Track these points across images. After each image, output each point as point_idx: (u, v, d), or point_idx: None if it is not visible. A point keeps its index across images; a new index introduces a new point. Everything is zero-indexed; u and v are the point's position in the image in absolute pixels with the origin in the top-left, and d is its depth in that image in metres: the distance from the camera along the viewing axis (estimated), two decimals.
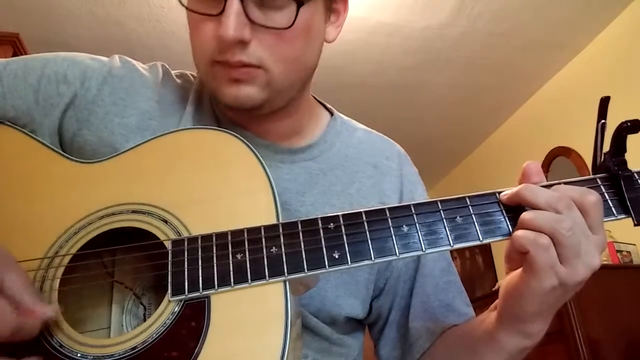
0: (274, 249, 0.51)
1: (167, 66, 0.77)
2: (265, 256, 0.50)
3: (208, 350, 0.47)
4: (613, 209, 0.53)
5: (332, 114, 0.81)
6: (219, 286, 0.49)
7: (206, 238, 0.52)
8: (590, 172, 0.57)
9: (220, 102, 0.64)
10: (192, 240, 0.52)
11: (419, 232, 0.51)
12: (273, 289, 0.49)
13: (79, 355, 0.48)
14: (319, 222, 0.52)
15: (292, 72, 0.63)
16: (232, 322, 0.48)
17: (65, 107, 0.67)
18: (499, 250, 3.74)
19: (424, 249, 0.51)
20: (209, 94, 0.74)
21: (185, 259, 0.51)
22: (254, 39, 0.58)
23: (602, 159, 0.55)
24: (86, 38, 2.83)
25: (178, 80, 0.75)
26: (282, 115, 0.70)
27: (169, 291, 0.50)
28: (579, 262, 0.48)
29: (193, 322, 0.48)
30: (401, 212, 0.52)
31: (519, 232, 0.49)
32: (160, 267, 0.52)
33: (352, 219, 0.52)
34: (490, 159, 4.05)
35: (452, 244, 0.51)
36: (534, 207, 0.49)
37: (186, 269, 0.50)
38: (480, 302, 2.61)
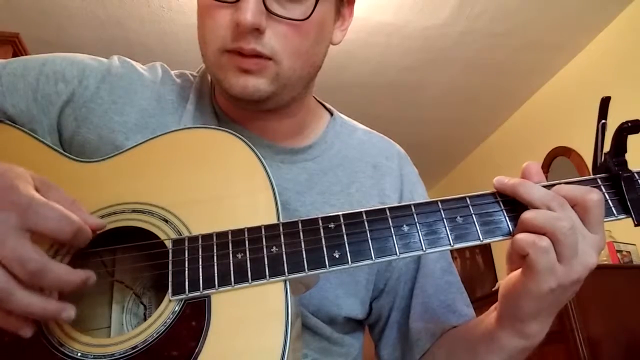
0: (274, 249, 0.51)
1: (166, 66, 0.77)
2: (265, 256, 0.50)
3: (208, 350, 0.47)
4: (613, 209, 0.53)
5: (331, 114, 0.81)
6: (219, 286, 0.49)
7: (207, 237, 0.52)
8: (591, 172, 0.57)
9: (225, 93, 0.63)
10: (193, 239, 0.52)
11: (420, 232, 0.51)
12: (273, 289, 0.49)
13: (79, 354, 0.48)
14: (320, 221, 0.52)
15: (302, 66, 0.63)
16: (232, 321, 0.48)
17: (63, 105, 0.67)
18: (499, 250, 3.74)
19: (424, 249, 0.51)
20: (210, 93, 0.74)
21: (186, 259, 0.51)
22: (269, 29, 0.59)
23: (603, 159, 0.55)
24: (86, 38, 2.83)
25: (178, 80, 0.75)
26: (285, 115, 0.70)
27: (170, 290, 0.50)
28: (576, 261, 0.48)
29: (193, 321, 0.48)
30: (402, 212, 0.52)
31: (519, 235, 0.49)
32: (160, 267, 0.52)
33: (353, 218, 0.52)
34: (490, 159, 4.05)
35: (452, 244, 0.51)
36: (528, 204, 0.50)
37: (187, 269, 0.50)
38: (480, 302, 2.61)
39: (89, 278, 0.47)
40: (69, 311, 0.46)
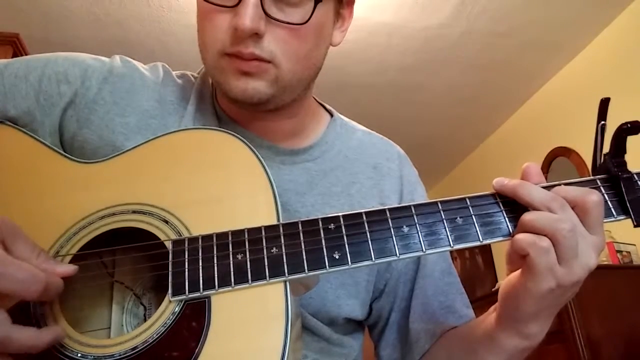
0: (274, 250, 0.51)
1: (167, 66, 0.77)
2: (265, 256, 0.50)
3: (208, 351, 0.47)
4: (613, 210, 0.53)
5: (331, 115, 0.81)
6: (219, 286, 0.49)
7: (207, 238, 0.52)
8: (590, 173, 0.57)
9: (225, 95, 0.63)
10: (193, 240, 0.52)
11: (419, 233, 0.51)
12: (273, 290, 0.49)
13: (79, 355, 0.48)
14: (320, 222, 0.52)
15: (301, 69, 0.63)
16: (232, 322, 0.48)
17: (65, 106, 0.67)
18: (499, 250, 3.74)
19: (424, 250, 0.51)
20: (211, 94, 0.74)
21: (186, 259, 0.51)
22: (268, 33, 0.59)
23: (602, 160, 0.56)
24: (86, 38, 2.83)
25: (179, 81, 0.75)
26: (285, 116, 0.70)
27: (170, 291, 0.50)
28: (576, 262, 0.48)
29: (193, 322, 0.48)
30: (402, 213, 0.52)
31: (520, 235, 0.49)
32: (160, 268, 0.52)
33: (353, 219, 0.52)
34: (490, 159, 4.05)
35: (452, 245, 0.51)
36: (528, 206, 0.50)
37: (187, 269, 0.50)
38: (480, 302, 2.61)
39: (57, 338, 0.46)
40: None
